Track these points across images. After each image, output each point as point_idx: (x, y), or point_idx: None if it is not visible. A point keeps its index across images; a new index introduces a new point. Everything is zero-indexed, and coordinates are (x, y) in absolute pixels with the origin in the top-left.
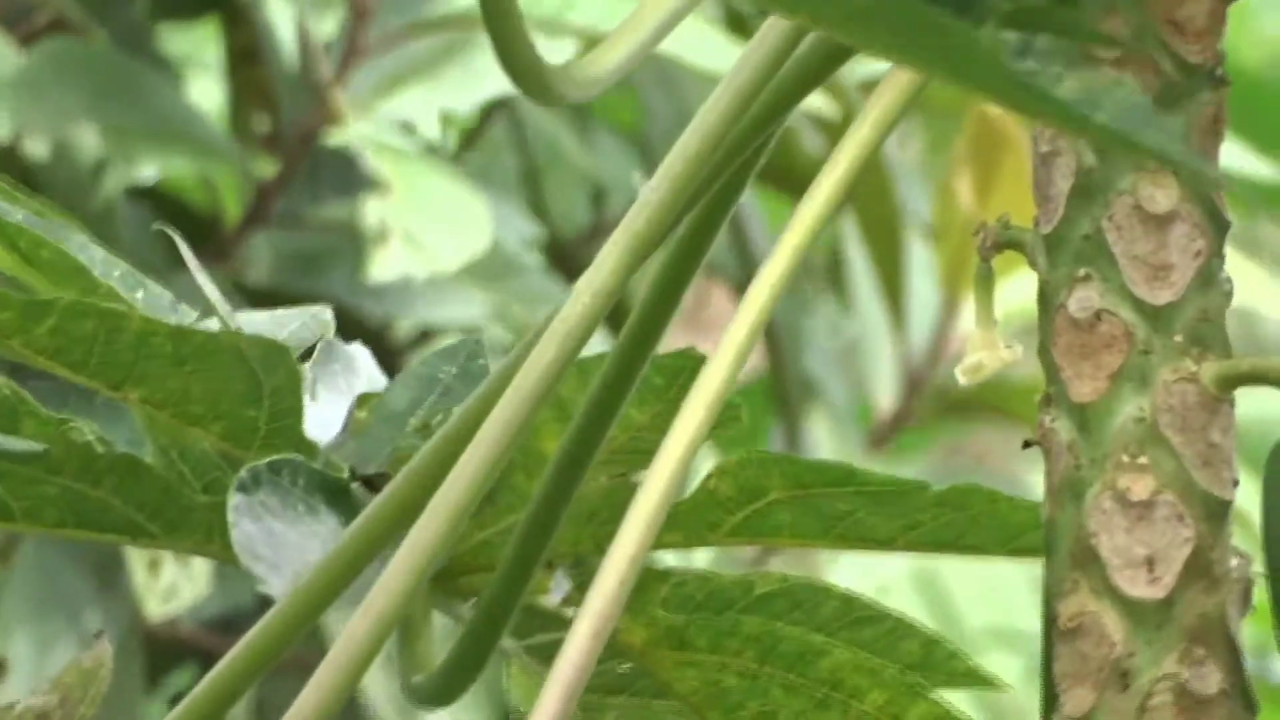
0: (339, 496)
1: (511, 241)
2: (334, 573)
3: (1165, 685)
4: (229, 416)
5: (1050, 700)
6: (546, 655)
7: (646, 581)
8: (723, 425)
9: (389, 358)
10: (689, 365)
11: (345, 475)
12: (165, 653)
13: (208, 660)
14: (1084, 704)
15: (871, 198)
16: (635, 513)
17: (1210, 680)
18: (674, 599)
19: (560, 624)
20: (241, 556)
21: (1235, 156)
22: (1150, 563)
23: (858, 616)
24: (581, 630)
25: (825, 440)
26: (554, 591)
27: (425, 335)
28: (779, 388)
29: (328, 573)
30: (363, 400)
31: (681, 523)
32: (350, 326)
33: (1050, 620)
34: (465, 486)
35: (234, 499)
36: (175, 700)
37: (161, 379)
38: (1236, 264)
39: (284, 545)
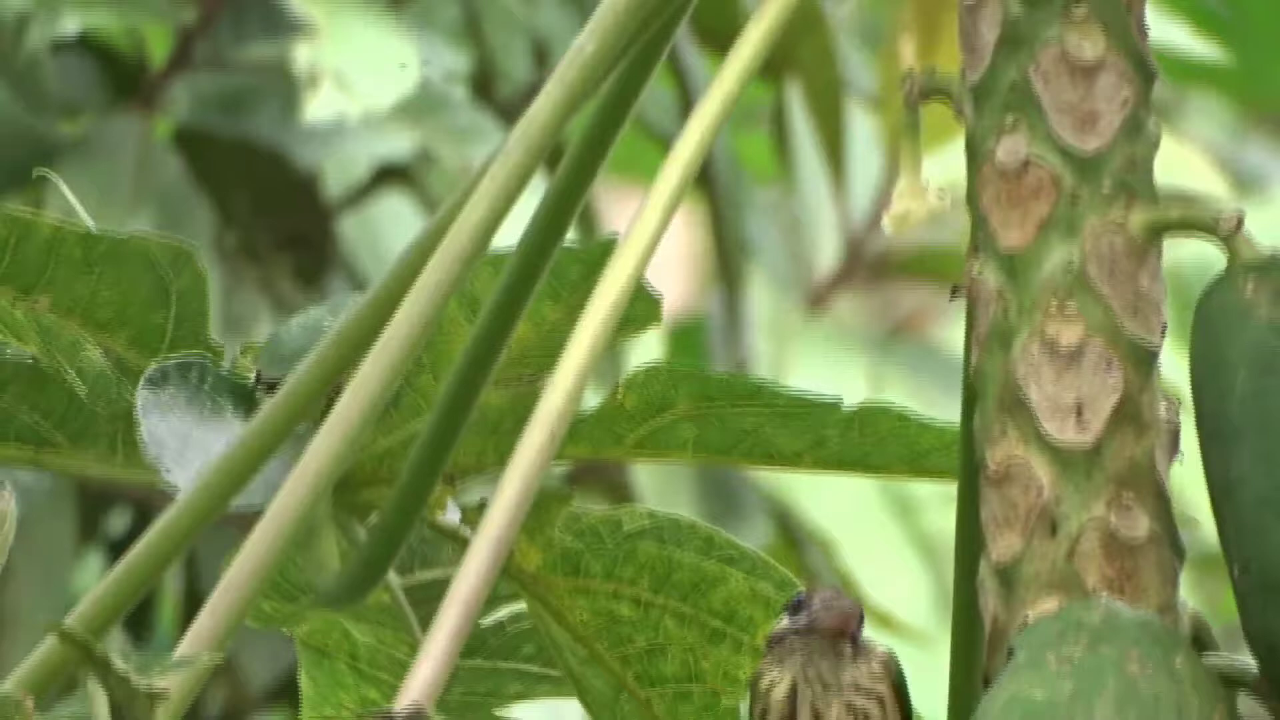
0: (245, 398)
1: (438, 78)
2: (236, 466)
3: (1093, 530)
4: (136, 321)
5: (967, 549)
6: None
7: (546, 503)
8: (631, 318)
9: (320, 219)
10: (607, 254)
11: (251, 379)
12: (99, 501)
13: (141, 507)
14: (1012, 549)
15: (814, 64)
16: (538, 418)
17: (1139, 525)
18: (573, 525)
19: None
20: (148, 449)
21: (1170, 31)
22: (1078, 409)
23: (720, 555)
24: (481, 545)
25: (764, 304)
26: (450, 511)
27: (356, 195)
28: (719, 251)
29: (230, 466)
30: (246, 349)
31: (586, 436)
32: (280, 175)
33: (978, 467)
34: (373, 387)
35: (141, 395)
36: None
37: (70, 283)
38: (1167, 147)
39: (190, 441)
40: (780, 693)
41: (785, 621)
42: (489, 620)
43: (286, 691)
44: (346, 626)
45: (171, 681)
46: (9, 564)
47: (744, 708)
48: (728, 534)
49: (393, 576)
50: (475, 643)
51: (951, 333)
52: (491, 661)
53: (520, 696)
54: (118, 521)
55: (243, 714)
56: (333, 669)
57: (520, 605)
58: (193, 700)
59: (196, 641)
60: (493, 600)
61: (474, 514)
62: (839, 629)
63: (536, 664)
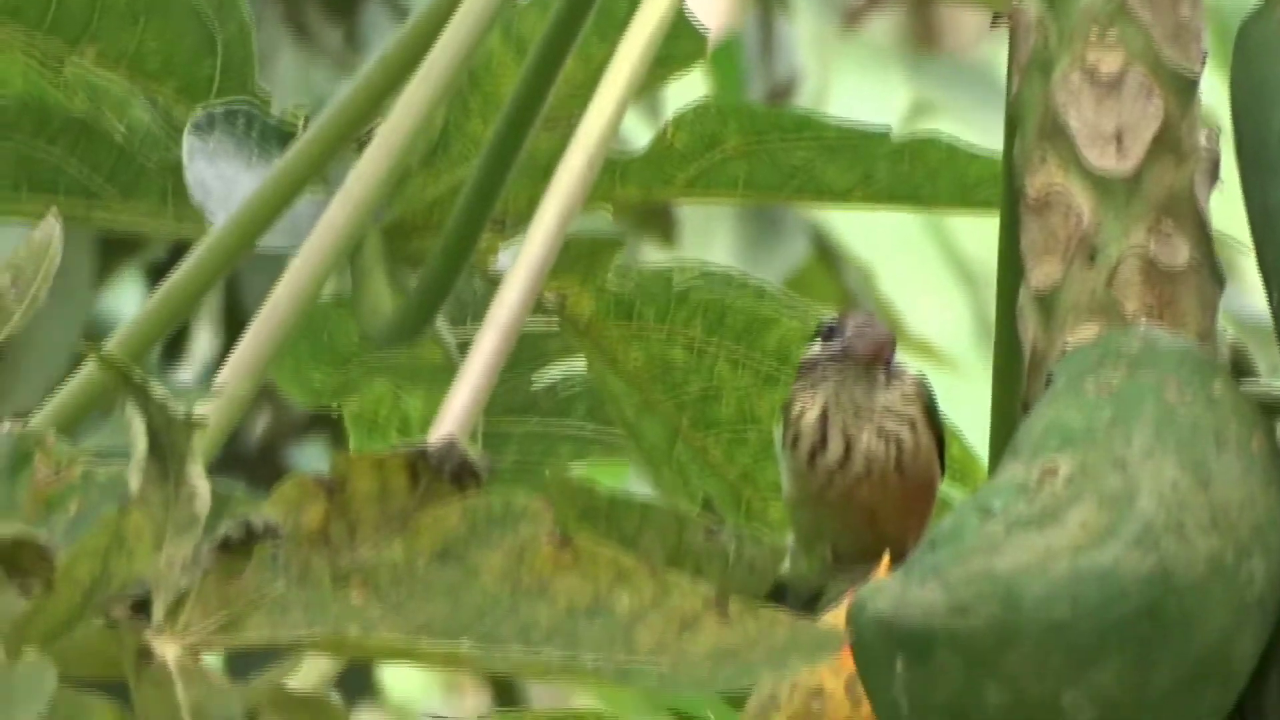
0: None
1: None
2: (271, 199)
3: (1133, 258)
4: (183, 71)
5: (1008, 277)
6: None
7: (598, 249)
8: (675, 55)
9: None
10: None
11: (299, 126)
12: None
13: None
14: (1051, 277)
15: None
16: (577, 144)
17: (1179, 253)
18: (619, 276)
19: None
20: (194, 193)
21: None
22: (1119, 137)
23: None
24: (519, 269)
25: (801, 24)
26: (501, 260)
27: None
28: None
29: (265, 199)
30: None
31: (636, 177)
32: None
33: (1017, 195)
34: (408, 125)
35: (188, 141)
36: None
37: (116, 35)
38: None
39: (235, 185)
40: (811, 417)
41: (818, 347)
42: (542, 381)
43: (325, 420)
44: (396, 398)
45: (210, 409)
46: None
47: (777, 433)
48: (753, 269)
49: (445, 331)
50: (528, 404)
51: (995, 53)
52: (544, 423)
53: (573, 457)
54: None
55: (283, 441)
56: (384, 441)
57: (572, 365)
58: (233, 429)
59: (237, 370)
60: (544, 357)
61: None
62: (873, 355)
63: (590, 425)
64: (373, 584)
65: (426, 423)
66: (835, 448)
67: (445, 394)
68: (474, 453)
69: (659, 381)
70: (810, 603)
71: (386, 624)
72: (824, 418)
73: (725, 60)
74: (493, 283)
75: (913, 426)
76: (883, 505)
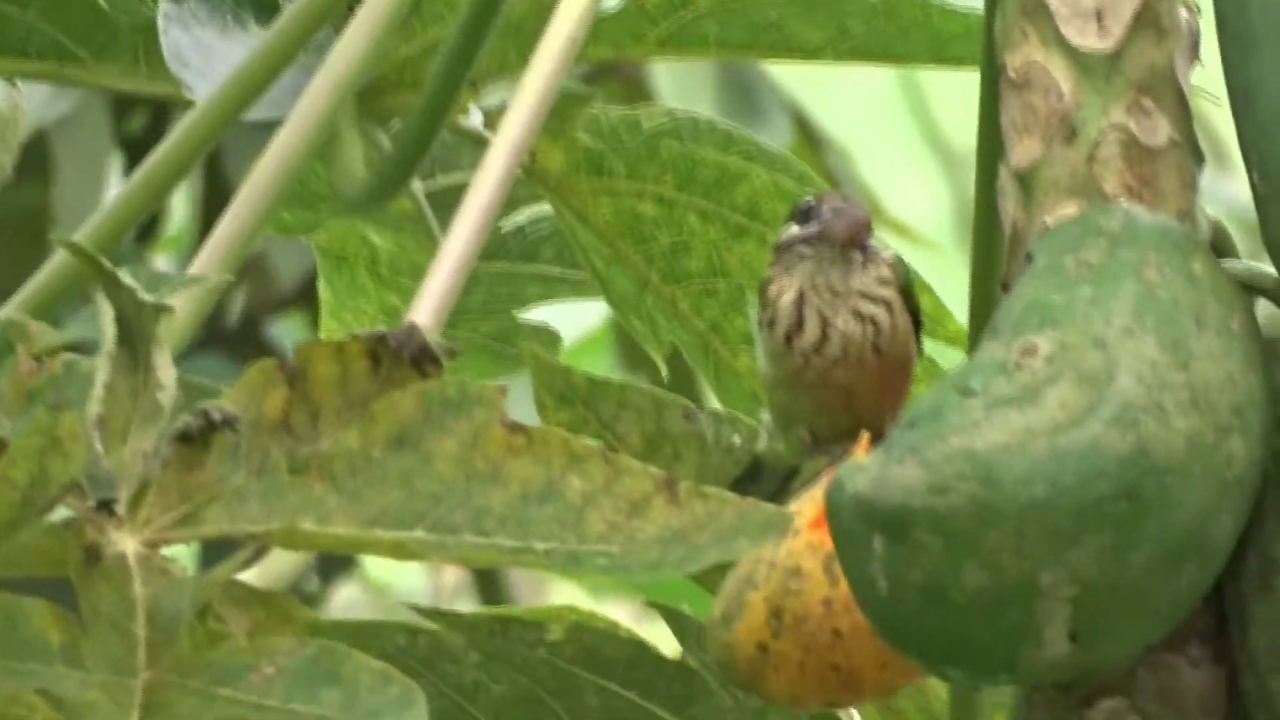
0: (267, 10)
1: None
2: (254, 73)
3: (1113, 136)
4: None
5: (988, 155)
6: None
7: (567, 104)
8: None
9: None
10: None
11: None
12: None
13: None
14: (1031, 155)
15: None
16: (558, 20)
17: (1159, 131)
18: (593, 126)
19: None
20: (171, 64)
21: None
22: (1099, 14)
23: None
24: (501, 145)
25: None
26: (472, 115)
27: None
28: None
29: (249, 73)
30: None
31: (607, 35)
32: None
33: (997, 72)
34: None
35: (164, 6)
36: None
37: None
38: None
39: (212, 54)
40: (788, 300)
41: (794, 229)
42: (510, 224)
43: (308, 294)
44: (365, 233)
45: (183, 298)
46: (53, 167)
47: (753, 313)
48: (743, 130)
49: (415, 181)
50: (496, 246)
51: None
52: (512, 264)
53: (541, 298)
54: (136, 123)
55: (264, 315)
56: (352, 275)
57: (541, 208)
58: (211, 309)
59: (218, 247)
60: (513, 203)
61: (496, 117)
62: (849, 236)
63: (557, 266)
64: (329, 473)
65: (395, 261)
66: (811, 330)
67: (414, 238)
68: (435, 338)
69: (628, 234)
70: (786, 480)
71: (343, 514)
72: (800, 300)
73: None
74: (462, 136)
75: (889, 308)
76: (859, 386)
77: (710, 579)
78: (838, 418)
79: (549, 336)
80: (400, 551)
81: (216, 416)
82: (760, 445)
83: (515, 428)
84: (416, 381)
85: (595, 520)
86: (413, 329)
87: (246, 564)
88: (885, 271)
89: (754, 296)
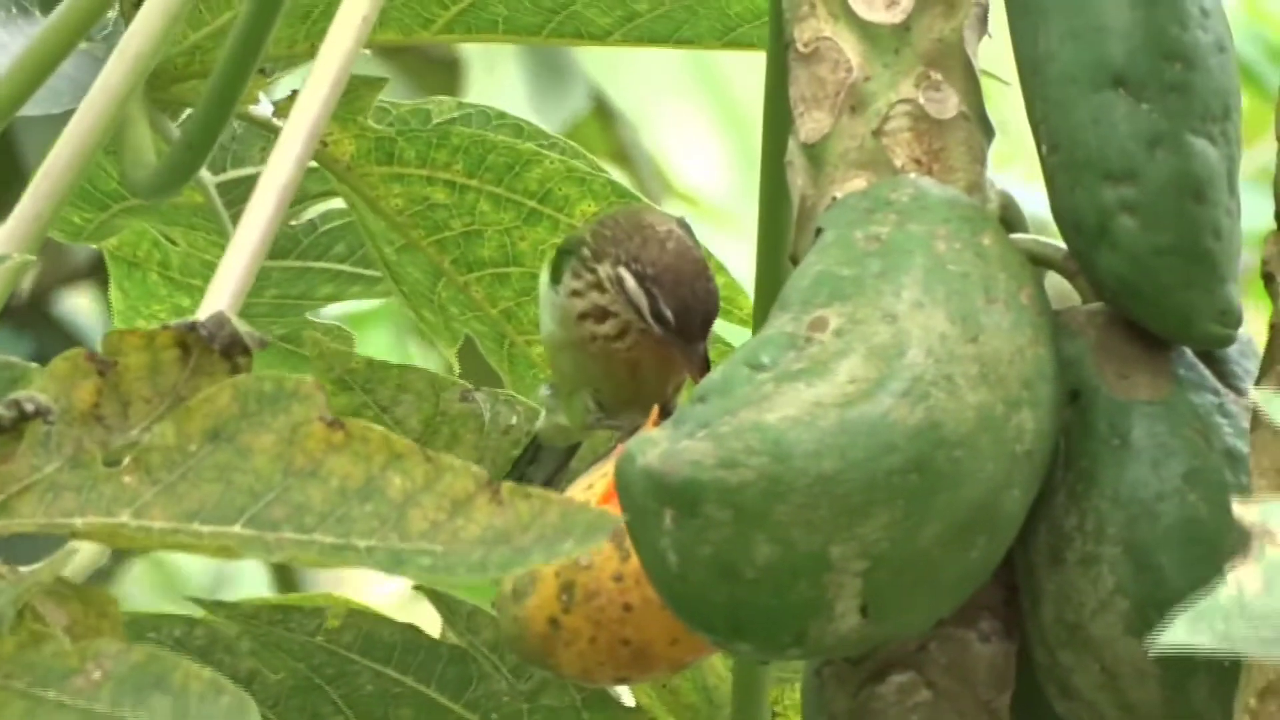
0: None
1: None
2: (36, 62)
3: (902, 109)
4: None
5: (776, 128)
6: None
7: (356, 89)
8: None
9: None
10: None
11: None
12: None
13: None
14: (820, 128)
15: None
16: (348, 5)
17: (948, 104)
18: (388, 114)
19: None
20: None
21: None
22: None
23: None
24: (293, 130)
25: None
26: (262, 104)
27: None
28: None
29: (30, 62)
30: None
31: (395, 20)
32: None
33: (787, 45)
34: None
35: None
36: None
37: None
38: None
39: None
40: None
41: (631, 282)
42: (300, 220)
43: (99, 268)
44: (156, 235)
45: None
46: None
47: (545, 273)
48: (537, 122)
49: (205, 174)
50: (288, 243)
51: None
52: (304, 261)
53: (332, 298)
54: None
55: (54, 289)
56: (144, 280)
57: (332, 203)
58: (8, 294)
59: (14, 233)
60: (302, 199)
61: (286, 106)
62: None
63: (349, 263)
64: (145, 466)
65: (187, 261)
66: (609, 323)
67: (205, 235)
68: (245, 327)
69: (421, 221)
70: (566, 457)
71: (159, 507)
72: (606, 300)
73: None
74: (255, 125)
75: None
76: (644, 357)
77: None
78: (623, 386)
79: (343, 337)
80: (221, 550)
81: (29, 407)
82: (539, 422)
83: (334, 423)
84: (226, 371)
85: (417, 518)
86: (222, 318)
87: (65, 560)
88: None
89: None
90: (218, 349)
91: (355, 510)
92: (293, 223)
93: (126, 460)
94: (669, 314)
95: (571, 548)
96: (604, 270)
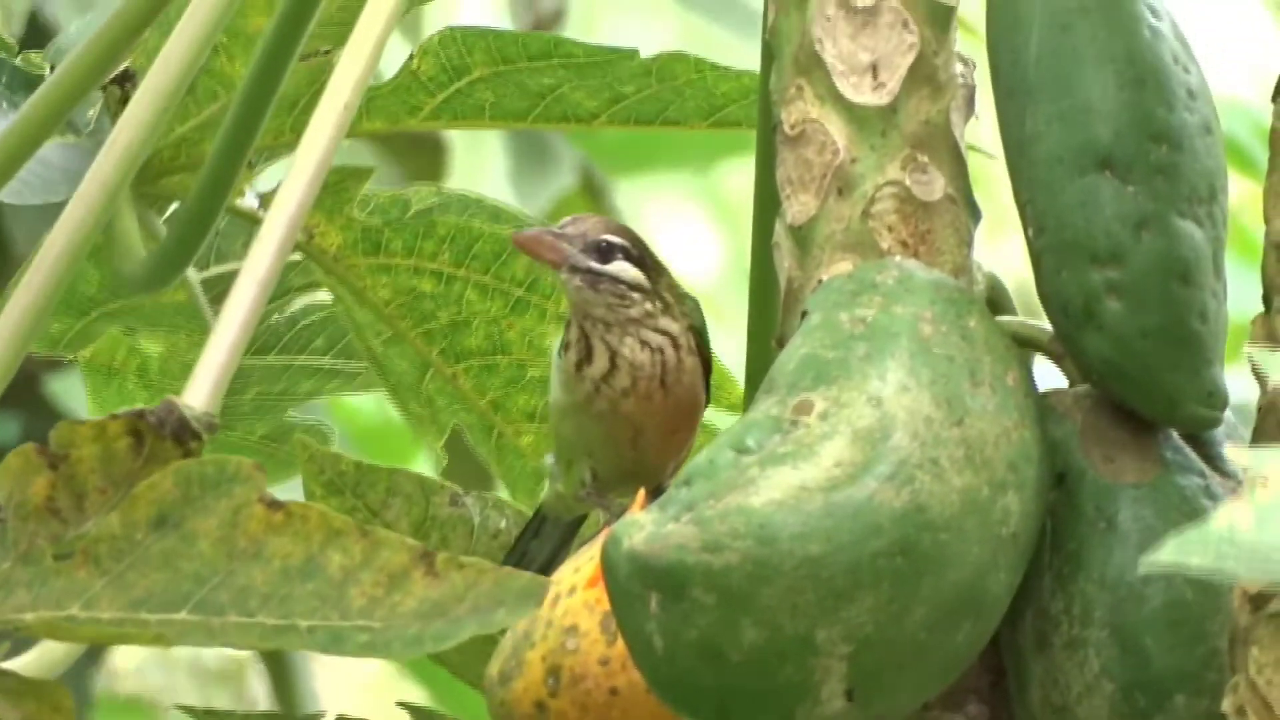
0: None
1: None
2: (14, 145)
3: (889, 191)
4: None
5: (765, 211)
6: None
7: (342, 180)
8: None
9: None
10: None
11: (46, 72)
12: None
13: None
14: (807, 210)
15: None
16: (331, 94)
17: (934, 186)
18: (368, 204)
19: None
20: None
21: None
22: (874, 68)
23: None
24: (276, 218)
25: None
26: (249, 195)
27: None
28: None
29: (7, 145)
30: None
31: (382, 109)
32: None
33: (774, 127)
34: (175, 70)
35: None
36: None
37: None
38: None
39: None
40: (574, 330)
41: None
42: (281, 315)
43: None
44: (133, 342)
45: None
46: None
47: (556, 341)
48: (521, 201)
49: (190, 271)
50: (270, 339)
51: None
52: (285, 357)
53: (312, 394)
54: None
55: (42, 372)
56: (121, 386)
57: (313, 297)
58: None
59: (6, 328)
60: (286, 293)
61: (273, 199)
62: (542, 258)
63: (329, 357)
64: (94, 557)
65: (166, 364)
66: (600, 359)
67: (187, 335)
68: (195, 412)
69: (408, 312)
70: (571, 530)
71: (107, 598)
72: (582, 330)
73: None
74: (240, 218)
75: (674, 343)
76: (647, 421)
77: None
78: (623, 455)
79: (322, 434)
80: (163, 638)
81: None
82: (544, 493)
83: (274, 504)
84: (179, 457)
85: (356, 595)
86: (170, 404)
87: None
88: (673, 304)
89: (534, 372)
90: (169, 435)
91: (297, 590)
92: (275, 317)
93: (76, 552)
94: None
95: (504, 617)
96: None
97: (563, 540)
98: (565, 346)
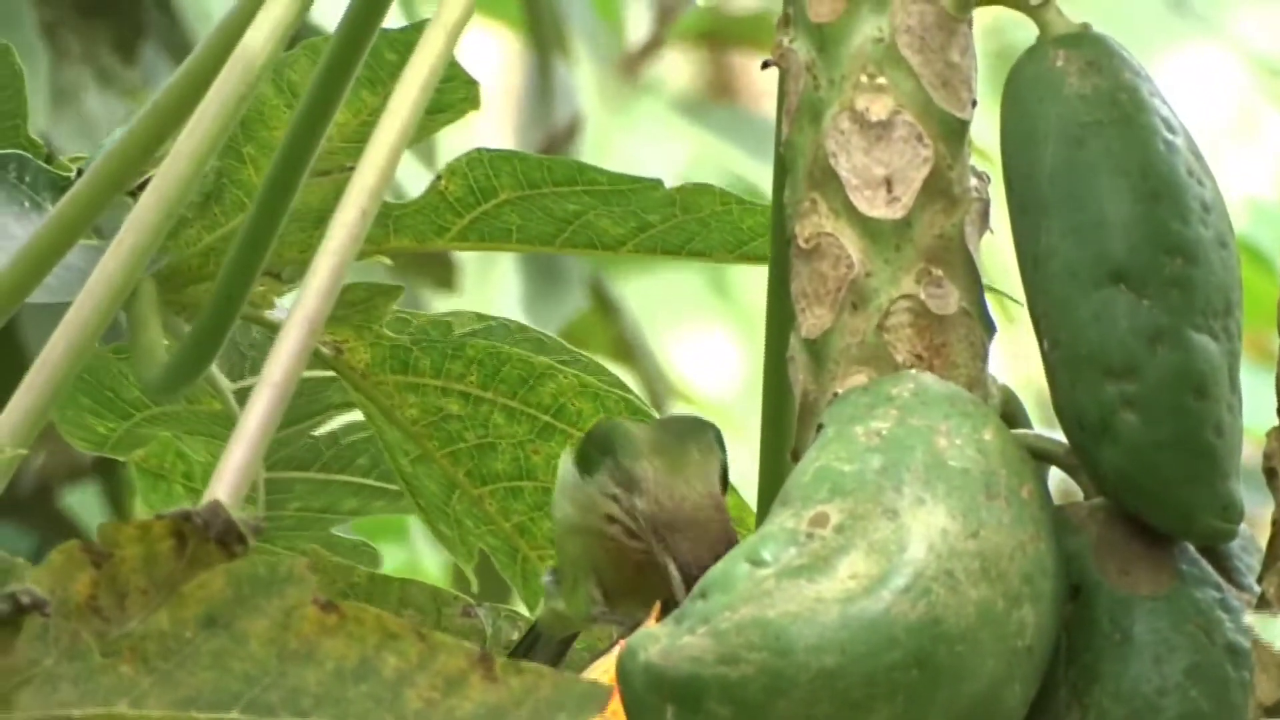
0: (65, 193)
1: None
2: (41, 250)
3: (903, 304)
4: None
5: (778, 325)
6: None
7: (374, 298)
8: (448, 104)
9: None
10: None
11: (72, 175)
12: None
13: None
14: (821, 323)
15: None
16: (350, 196)
17: (949, 300)
18: (398, 323)
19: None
20: None
21: None
22: (888, 182)
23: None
24: (294, 322)
25: (579, 72)
26: (279, 309)
27: None
28: (533, 30)
29: (35, 251)
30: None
31: (409, 227)
32: None
33: (787, 241)
34: (182, 173)
35: None
36: None
37: None
38: None
39: (8, 238)
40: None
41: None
42: (322, 430)
43: (106, 463)
44: (180, 447)
45: None
46: None
47: (566, 455)
48: (533, 322)
49: (224, 381)
50: (309, 455)
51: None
52: (326, 474)
53: (356, 513)
54: None
55: (58, 482)
56: (169, 491)
57: (355, 415)
58: (4, 484)
59: (10, 424)
60: (325, 409)
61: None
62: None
63: (372, 477)
64: (141, 655)
65: (208, 472)
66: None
67: (223, 444)
68: (241, 514)
69: (435, 432)
70: (564, 646)
71: (155, 696)
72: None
73: None
74: (272, 331)
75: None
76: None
77: None
78: (629, 579)
79: (369, 555)
80: None
81: (25, 600)
82: (539, 610)
83: (327, 606)
84: (222, 560)
85: (412, 698)
86: (216, 507)
87: None
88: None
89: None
90: (214, 538)
91: (350, 692)
92: (314, 434)
93: (124, 649)
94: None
95: None
96: (639, 519)
97: (556, 656)
98: (588, 470)
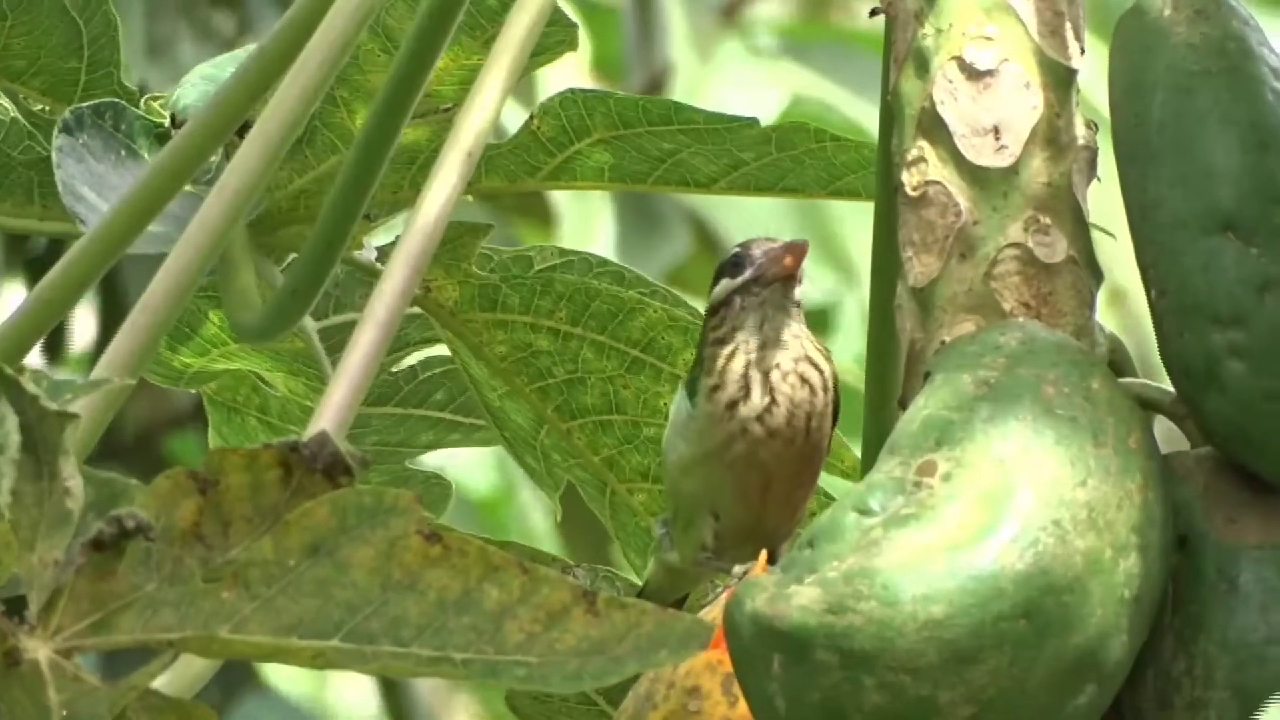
0: (160, 141)
1: None
2: (146, 197)
3: (1010, 253)
4: (50, 69)
5: (884, 271)
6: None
7: (460, 236)
8: (547, 46)
9: None
10: None
11: (167, 122)
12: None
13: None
14: (929, 271)
15: None
16: (454, 141)
17: (1056, 248)
18: (486, 260)
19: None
20: (64, 197)
21: None
22: (996, 131)
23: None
24: (397, 266)
25: (677, 15)
26: (368, 248)
27: None
28: None
29: (140, 197)
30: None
31: (501, 167)
32: None
33: (895, 189)
34: (285, 118)
35: (58, 140)
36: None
37: None
38: None
39: (106, 187)
40: (737, 366)
41: (725, 281)
42: (401, 366)
43: (203, 410)
44: (256, 381)
45: (83, 404)
46: None
47: (682, 387)
48: (638, 271)
49: (308, 320)
50: (388, 390)
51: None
52: (404, 408)
53: (431, 446)
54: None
55: (160, 430)
56: (243, 424)
57: (432, 351)
58: (108, 422)
59: (113, 364)
60: (404, 346)
61: (389, 251)
62: (783, 271)
63: (448, 411)
64: (244, 581)
65: (286, 407)
66: (757, 397)
67: (306, 381)
68: (347, 447)
69: (524, 368)
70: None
71: (257, 622)
72: (747, 366)
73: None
74: (358, 270)
75: (823, 377)
76: (781, 470)
77: (611, 691)
78: (751, 508)
79: (441, 486)
80: (318, 660)
81: (129, 524)
82: (647, 571)
83: (432, 536)
84: (327, 491)
85: (513, 630)
86: (324, 438)
87: (159, 672)
88: (821, 347)
89: (649, 431)
90: (320, 469)
91: (452, 622)
92: (393, 369)
93: (226, 575)
94: (752, 264)
95: (666, 657)
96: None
97: None
98: (714, 388)
